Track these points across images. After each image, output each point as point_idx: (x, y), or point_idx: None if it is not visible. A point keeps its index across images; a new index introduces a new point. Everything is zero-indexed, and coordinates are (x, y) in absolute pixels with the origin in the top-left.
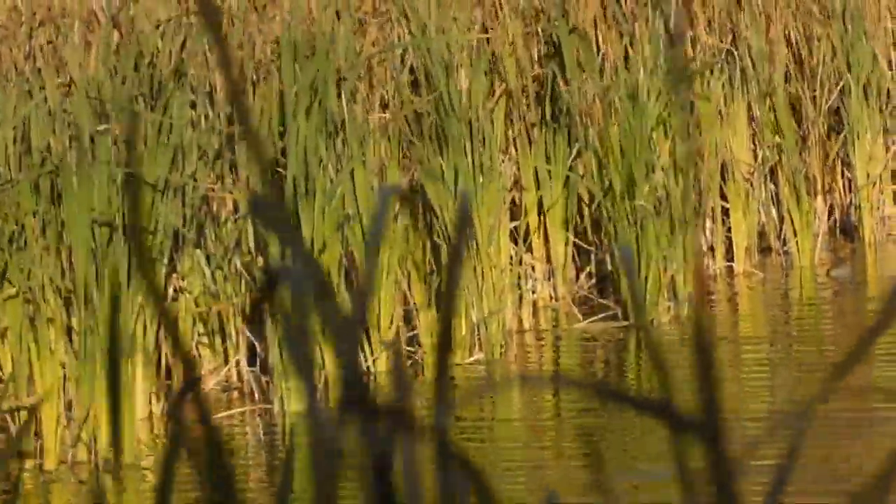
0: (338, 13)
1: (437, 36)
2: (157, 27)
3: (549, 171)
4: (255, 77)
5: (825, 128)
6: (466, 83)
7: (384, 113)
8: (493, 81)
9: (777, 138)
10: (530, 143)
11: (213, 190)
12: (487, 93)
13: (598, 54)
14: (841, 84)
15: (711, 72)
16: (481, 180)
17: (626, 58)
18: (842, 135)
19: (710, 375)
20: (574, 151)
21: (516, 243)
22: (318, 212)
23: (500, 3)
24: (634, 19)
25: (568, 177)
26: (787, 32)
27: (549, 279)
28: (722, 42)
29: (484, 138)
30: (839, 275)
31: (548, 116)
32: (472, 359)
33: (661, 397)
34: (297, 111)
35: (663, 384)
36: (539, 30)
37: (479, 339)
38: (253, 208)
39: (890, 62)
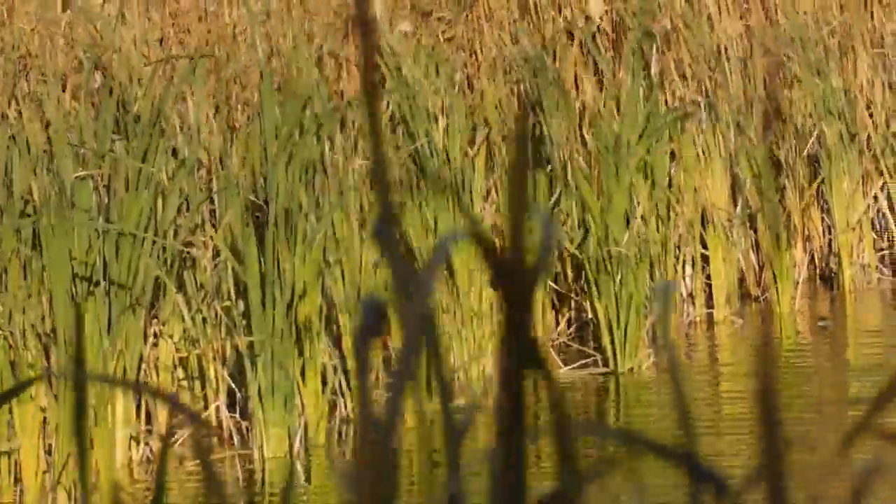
0: (320, 57)
1: (417, 83)
2: (145, 65)
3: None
4: (237, 121)
5: (805, 175)
6: (445, 130)
7: (364, 159)
8: (475, 128)
9: (756, 185)
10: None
11: (190, 243)
12: (468, 140)
13: (577, 101)
14: (816, 131)
15: (684, 122)
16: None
17: (612, 105)
18: (818, 181)
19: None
20: (554, 198)
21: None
22: (299, 257)
23: (480, 50)
24: (616, 68)
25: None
26: (764, 80)
27: None
28: (700, 92)
29: (467, 185)
30: (828, 325)
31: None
32: (453, 404)
33: (685, 448)
34: (278, 157)
35: (684, 428)
36: (520, 77)
37: (460, 385)
38: (375, 233)
39: (870, 107)
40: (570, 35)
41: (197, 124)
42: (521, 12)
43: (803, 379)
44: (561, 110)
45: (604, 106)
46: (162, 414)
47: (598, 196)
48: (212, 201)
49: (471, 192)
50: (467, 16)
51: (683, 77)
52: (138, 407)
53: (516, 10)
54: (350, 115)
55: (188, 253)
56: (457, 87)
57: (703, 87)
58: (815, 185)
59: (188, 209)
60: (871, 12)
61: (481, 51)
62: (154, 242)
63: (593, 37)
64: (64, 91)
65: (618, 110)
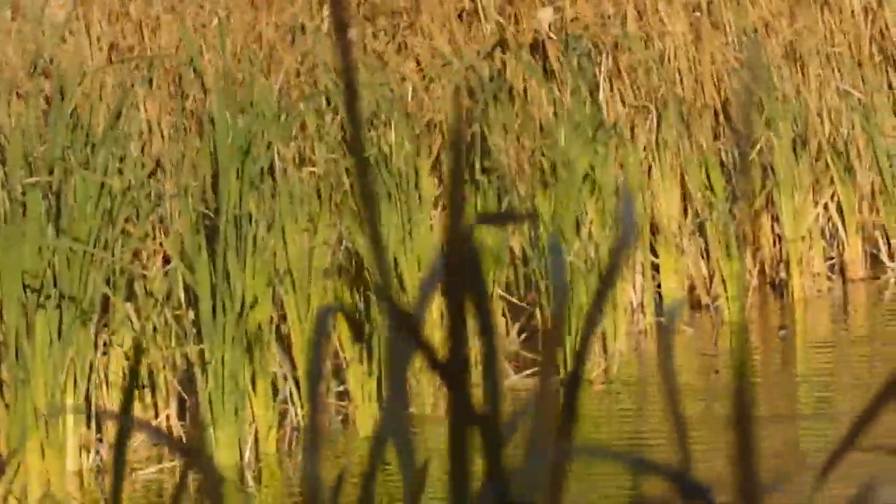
0: (269, 63)
1: (365, 90)
2: (84, 76)
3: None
4: (187, 127)
5: (756, 183)
6: (393, 139)
7: (313, 168)
8: (422, 138)
9: (706, 194)
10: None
11: (140, 251)
12: (416, 149)
13: (524, 110)
14: (762, 140)
15: (637, 125)
16: (411, 235)
17: (556, 114)
18: (768, 190)
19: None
20: (503, 207)
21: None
22: (250, 266)
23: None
24: (561, 80)
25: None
26: (715, 86)
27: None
28: (650, 99)
29: (414, 194)
30: (785, 335)
31: (478, 172)
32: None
33: (680, 466)
34: (229, 166)
35: (679, 447)
36: (468, 88)
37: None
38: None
39: (820, 115)
40: (518, 44)
41: (145, 130)
42: (468, 20)
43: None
44: (507, 120)
45: (553, 114)
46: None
47: (549, 205)
48: (162, 208)
49: (420, 199)
50: (412, 24)
51: (633, 85)
52: (88, 416)
53: (464, 17)
54: (300, 122)
55: (138, 262)
56: (407, 95)
57: (652, 95)
58: (763, 193)
59: (138, 217)
60: (823, 18)
61: (430, 57)
62: (103, 259)
63: (543, 45)
64: (15, 97)
65: (553, 116)
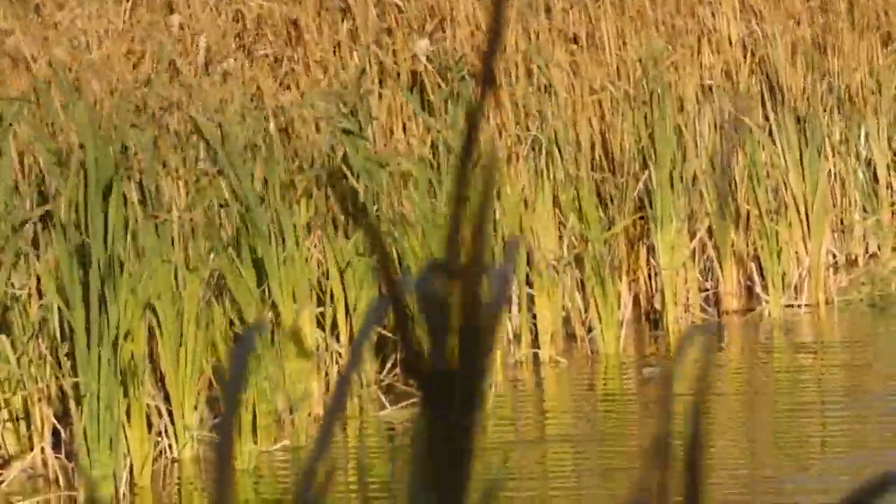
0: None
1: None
2: None
3: (354, 259)
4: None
5: (630, 214)
6: (261, 173)
7: (186, 209)
8: (294, 172)
9: (582, 225)
10: (336, 229)
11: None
12: (287, 182)
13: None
14: (647, 172)
15: (517, 158)
16: (285, 267)
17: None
18: (639, 219)
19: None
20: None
21: (323, 329)
22: (123, 301)
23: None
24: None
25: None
26: (593, 119)
27: None
28: (528, 129)
29: (290, 226)
30: (650, 374)
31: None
32: (277, 446)
33: None
34: (98, 200)
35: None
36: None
37: (284, 425)
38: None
39: (696, 145)
40: (395, 74)
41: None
42: (349, 51)
43: (627, 427)
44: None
45: (431, 145)
46: None
47: (422, 234)
48: (38, 244)
49: (295, 234)
50: (294, 54)
51: (513, 115)
52: None
53: (344, 47)
54: (173, 160)
55: (13, 293)
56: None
57: (531, 127)
58: (635, 222)
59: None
60: (700, 48)
61: (298, 88)
62: None
63: (420, 76)
64: None
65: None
